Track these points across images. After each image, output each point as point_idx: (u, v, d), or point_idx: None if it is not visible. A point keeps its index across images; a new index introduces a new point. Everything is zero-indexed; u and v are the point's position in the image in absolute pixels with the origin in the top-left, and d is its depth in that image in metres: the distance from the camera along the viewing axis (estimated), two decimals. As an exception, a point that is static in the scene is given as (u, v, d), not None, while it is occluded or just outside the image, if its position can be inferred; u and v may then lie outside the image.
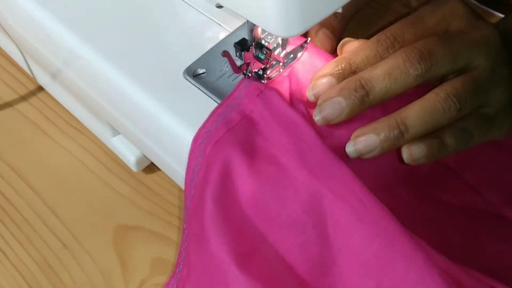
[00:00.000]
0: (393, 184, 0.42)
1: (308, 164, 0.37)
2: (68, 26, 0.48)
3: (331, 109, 0.38)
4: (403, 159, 0.39)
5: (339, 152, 0.39)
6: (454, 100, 0.38)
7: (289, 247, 0.37)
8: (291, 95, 0.42)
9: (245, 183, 0.38)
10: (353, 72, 0.40)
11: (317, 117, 0.39)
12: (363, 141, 0.38)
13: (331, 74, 0.40)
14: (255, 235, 0.38)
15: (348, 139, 0.39)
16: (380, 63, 0.39)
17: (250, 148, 0.39)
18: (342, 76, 0.39)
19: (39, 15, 0.49)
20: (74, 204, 0.51)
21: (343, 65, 0.40)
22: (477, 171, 0.45)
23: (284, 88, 0.42)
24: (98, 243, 0.49)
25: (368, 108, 0.39)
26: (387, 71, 0.38)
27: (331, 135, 0.40)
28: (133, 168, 0.52)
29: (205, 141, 0.40)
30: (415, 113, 0.38)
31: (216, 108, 0.41)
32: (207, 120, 0.40)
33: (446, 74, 0.39)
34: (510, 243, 0.42)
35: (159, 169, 0.52)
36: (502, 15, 0.59)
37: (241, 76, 0.42)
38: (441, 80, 0.40)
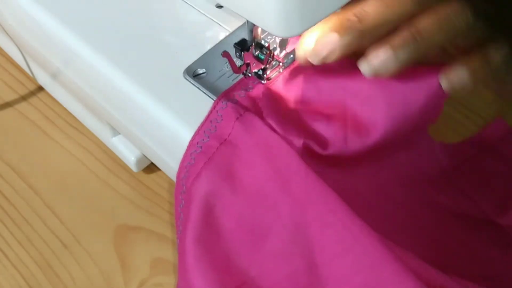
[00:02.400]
0: (390, 187, 0.42)
1: (292, 191, 0.37)
2: (68, 26, 0.48)
3: (325, 43, 0.36)
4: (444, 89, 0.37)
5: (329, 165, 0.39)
6: (466, 5, 0.36)
7: (277, 278, 0.37)
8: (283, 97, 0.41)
9: (228, 216, 0.38)
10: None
11: (315, 59, 0.37)
12: (378, 56, 0.36)
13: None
14: (241, 270, 0.37)
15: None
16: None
17: (231, 178, 0.38)
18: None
19: (39, 15, 0.49)
20: (74, 204, 0.52)
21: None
22: (469, 176, 0.45)
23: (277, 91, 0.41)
24: (98, 243, 0.49)
25: (363, 40, 0.36)
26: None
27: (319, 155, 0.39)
28: (133, 168, 0.52)
29: (185, 175, 0.39)
30: (429, 21, 0.36)
31: (194, 136, 0.40)
32: (187, 152, 0.40)
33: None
34: (504, 250, 0.42)
35: (159, 169, 0.52)
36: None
37: (240, 77, 0.42)
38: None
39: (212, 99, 0.42)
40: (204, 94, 0.43)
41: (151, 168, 0.53)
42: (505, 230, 0.43)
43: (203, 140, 0.39)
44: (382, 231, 0.38)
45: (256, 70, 0.41)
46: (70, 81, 0.50)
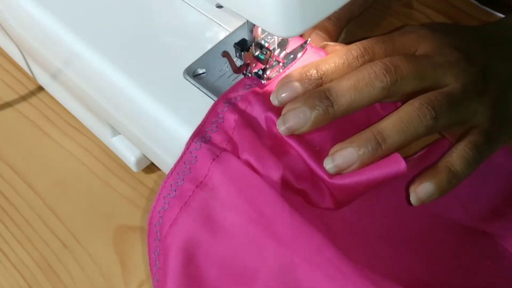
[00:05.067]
0: (376, 199, 0.41)
1: (277, 233, 0.36)
2: (68, 26, 0.48)
3: (295, 119, 0.38)
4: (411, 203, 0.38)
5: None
6: (429, 107, 0.37)
7: None
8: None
9: (211, 264, 0.36)
10: (320, 79, 0.39)
11: (281, 127, 0.38)
12: (341, 155, 0.37)
13: (298, 80, 0.39)
14: None
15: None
16: (347, 75, 0.38)
17: (211, 223, 0.36)
18: (308, 83, 0.39)
19: (39, 15, 0.49)
20: (74, 204, 0.51)
21: (310, 71, 0.39)
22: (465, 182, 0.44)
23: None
24: (98, 243, 0.49)
25: (333, 120, 0.38)
26: (353, 83, 0.38)
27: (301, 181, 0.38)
28: (133, 168, 0.52)
29: (159, 222, 0.37)
30: (391, 123, 0.37)
31: (167, 178, 0.38)
32: (159, 196, 0.38)
33: (414, 92, 0.39)
34: (494, 260, 0.42)
35: (159, 169, 0.52)
36: (502, 15, 0.59)
37: (240, 77, 0.42)
38: (410, 98, 0.39)
39: (212, 99, 0.42)
40: (204, 94, 0.43)
41: (151, 168, 0.53)
42: (494, 240, 0.43)
43: (177, 183, 0.38)
44: (369, 248, 0.37)
45: (256, 70, 0.41)
46: (70, 81, 0.50)
